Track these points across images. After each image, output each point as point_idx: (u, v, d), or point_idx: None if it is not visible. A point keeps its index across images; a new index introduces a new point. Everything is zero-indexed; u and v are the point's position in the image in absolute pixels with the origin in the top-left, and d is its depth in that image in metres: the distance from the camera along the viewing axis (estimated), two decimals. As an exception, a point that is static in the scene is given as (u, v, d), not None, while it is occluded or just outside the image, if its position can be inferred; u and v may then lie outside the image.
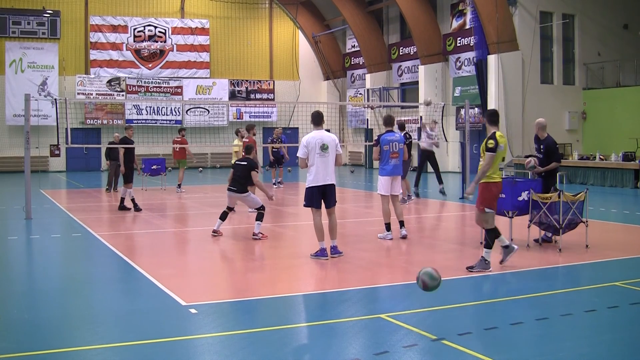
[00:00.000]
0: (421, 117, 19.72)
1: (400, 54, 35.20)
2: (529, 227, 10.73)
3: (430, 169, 20.42)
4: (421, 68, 32.40)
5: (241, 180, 12.18)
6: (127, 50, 35.87)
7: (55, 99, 18.84)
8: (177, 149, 21.97)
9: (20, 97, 28.93)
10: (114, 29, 35.63)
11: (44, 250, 11.61)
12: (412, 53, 33.96)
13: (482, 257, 8.98)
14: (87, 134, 34.50)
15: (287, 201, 18.30)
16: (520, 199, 10.70)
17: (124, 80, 35.53)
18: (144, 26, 36.27)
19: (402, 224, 12.10)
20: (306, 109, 22.58)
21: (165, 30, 36.66)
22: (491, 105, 27.29)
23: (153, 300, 7.82)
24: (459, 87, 30.88)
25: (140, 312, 7.35)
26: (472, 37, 28.70)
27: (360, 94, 37.99)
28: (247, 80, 38.45)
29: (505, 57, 27.17)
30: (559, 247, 10.58)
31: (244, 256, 10.67)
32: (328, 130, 10.61)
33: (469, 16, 29.78)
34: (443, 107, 21.08)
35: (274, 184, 22.57)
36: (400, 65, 35.43)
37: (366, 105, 35.67)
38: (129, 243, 12.35)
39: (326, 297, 8.03)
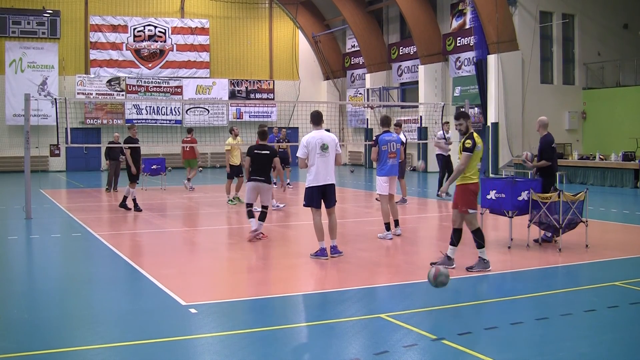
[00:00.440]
0: (446, 122, 19.55)
1: (400, 53, 35.19)
2: (528, 227, 10.73)
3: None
4: (421, 68, 32.39)
5: (266, 170, 11.71)
6: (127, 50, 35.87)
7: (55, 99, 18.82)
8: (187, 149, 22.25)
9: (20, 96, 28.92)
10: (114, 28, 35.63)
11: (43, 250, 11.61)
12: (412, 53, 33.95)
13: (479, 257, 8.98)
14: (87, 134, 34.49)
15: (287, 201, 18.30)
16: (520, 198, 10.69)
17: (123, 80, 35.52)
18: (144, 26, 36.27)
19: (397, 223, 12.18)
20: (306, 108, 22.52)
21: (165, 30, 36.66)
22: (491, 105, 27.31)
23: (153, 300, 7.82)
24: (459, 87, 30.88)
25: (140, 311, 7.35)
26: (472, 37, 28.69)
27: (360, 93, 37.99)
28: (247, 80, 38.44)
29: (505, 57, 27.17)
30: (558, 247, 10.58)
31: (243, 256, 10.67)
32: (328, 130, 10.62)
33: (468, 16, 29.77)
34: (443, 107, 21.05)
35: (276, 183, 22.59)
36: (400, 65, 35.43)
37: (366, 105, 35.67)
38: (129, 243, 12.35)
39: (326, 296, 8.03)
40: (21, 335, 6.44)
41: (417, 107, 32.06)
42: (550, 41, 29.10)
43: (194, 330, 6.57)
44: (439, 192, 8.38)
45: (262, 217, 11.79)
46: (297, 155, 10.23)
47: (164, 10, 37.01)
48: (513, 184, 10.72)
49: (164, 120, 36.03)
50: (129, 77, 35.66)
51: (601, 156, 24.04)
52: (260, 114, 38.44)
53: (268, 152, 11.82)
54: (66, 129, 16.79)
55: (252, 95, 38.29)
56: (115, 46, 35.65)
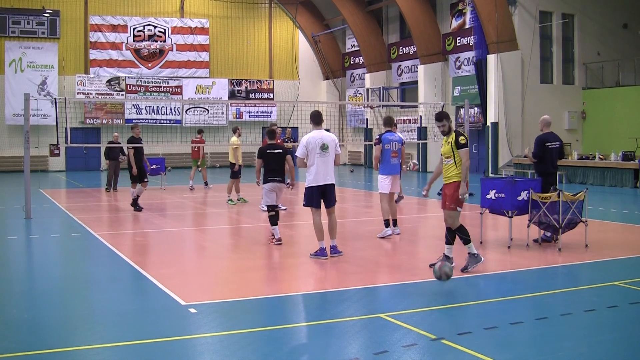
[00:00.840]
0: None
1: (400, 53, 35.20)
2: (528, 226, 10.73)
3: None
4: (421, 68, 32.40)
5: (282, 170, 11.41)
6: (126, 49, 35.87)
7: (55, 99, 18.83)
8: (197, 149, 22.50)
9: (19, 96, 28.92)
10: (114, 28, 35.63)
11: (43, 250, 11.61)
12: (411, 53, 33.96)
13: (468, 254, 8.97)
14: (86, 134, 34.50)
15: (287, 201, 18.29)
16: (519, 198, 10.69)
17: (123, 80, 35.53)
18: (144, 26, 36.27)
19: (395, 222, 12.21)
20: (306, 108, 22.55)
21: (164, 29, 36.66)
22: (491, 104, 27.32)
23: (152, 299, 7.82)
24: (459, 87, 30.89)
25: (139, 311, 7.35)
26: (472, 36, 28.71)
27: (359, 93, 38.00)
28: (246, 80, 38.45)
29: (505, 57, 27.18)
30: (558, 246, 10.57)
31: (243, 256, 10.67)
32: (327, 130, 10.62)
33: (468, 16, 29.78)
34: (442, 107, 21.06)
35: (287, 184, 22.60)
36: (400, 65, 35.43)
37: (365, 105, 35.68)
38: (128, 243, 12.35)
39: (326, 296, 8.03)
40: (21, 335, 6.43)
41: (416, 107, 32.08)
42: (550, 41, 29.12)
43: (193, 330, 6.57)
44: (460, 195, 8.34)
45: (275, 220, 11.39)
46: (296, 154, 10.24)
47: (163, 10, 37.01)
48: (513, 183, 10.72)
49: (163, 120, 36.04)
50: (128, 77, 35.66)
51: (601, 156, 24.05)
52: (260, 113, 38.45)
53: (280, 150, 11.60)
54: (66, 128, 16.79)
55: (251, 95, 38.30)
56: (115, 46, 35.66)
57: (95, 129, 35.26)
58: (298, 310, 7.49)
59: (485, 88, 27.60)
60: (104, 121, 35.01)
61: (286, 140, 22.78)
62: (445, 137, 9.07)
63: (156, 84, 36.15)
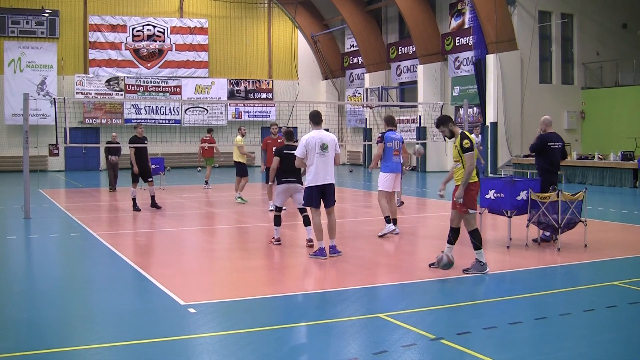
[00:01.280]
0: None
1: (399, 53, 35.20)
2: (527, 226, 10.73)
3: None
4: (420, 67, 32.40)
5: (297, 170, 10.99)
6: (125, 49, 35.86)
7: (54, 99, 18.82)
8: (207, 148, 22.73)
9: (19, 96, 28.86)
10: (113, 28, 35.61)
11: (42, 250, 11.61)
12: (410, 52, 33.96)
13: (475, 259, 8.92)
14: (85, 134, 34.49)
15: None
16: (519, 198, 10.69)
17: (122, 80, 35.52)
18: (143, 26, 36.26)
19: (394, 222, 12.21)
20: (305, 108, 22.59)
21: (164, 29, 36.65)
22: (490, 104, 27.32)
23: (152, 299, 7.82)
24: (458, 87, 30.90)
25: (138, 311, 7.35)
26: (471, 36, 28.71)
27: (359, 93, 38.00)
28: (245, 80, 38.45)
29: (504, 57, 27.18)
30: (557, 246, 10.57)
31: (242, 255, 10.66)
32: (327, 130, 10.61)
33: (467, 16, 29.79)
34: (442, 106, 21.05)
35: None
36: (399, 65, 35.43)
37: (365, 105, 35.67)
38: (127, 242, 12.34)
39: (325, 296, 8.03)
40: (20, 335, 6.43)
41: (415, 106, 32.08)
42: (549, 41, 29.13)
43: (192, 330, 6.56)
44: (455, 199, 8.33)
45: (308, 221, 10.92)
46: (295, 154, 10.22)
47: (163, 10, 37.00)
48: (512, 183, 10.72)
49: (162, 119, 36.03)
50: (127, 77, 35.65)
51: (600, 156, 24.05)
52: (259, 113, 38.46)
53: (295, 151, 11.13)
54: (65, 128, 16.78)
55: (251, 95, 38.30)
56: (114, 46, 35.64)
57: (95, 128, 35.24)
58: (297, 310, 7.49)
59: (485, 88, 27.61)
60: (103, 121, 35.00)
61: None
62: (453, 140, 9.05)
63: (155, 84, 36.15)
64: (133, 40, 36.00)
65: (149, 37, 36.32)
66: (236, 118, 37.63)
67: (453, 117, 30.89)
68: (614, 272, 9.32)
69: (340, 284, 8.66)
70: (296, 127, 34.63)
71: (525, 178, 13.47)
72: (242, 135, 18.71)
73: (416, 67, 33.07)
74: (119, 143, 21.89)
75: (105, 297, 8.04)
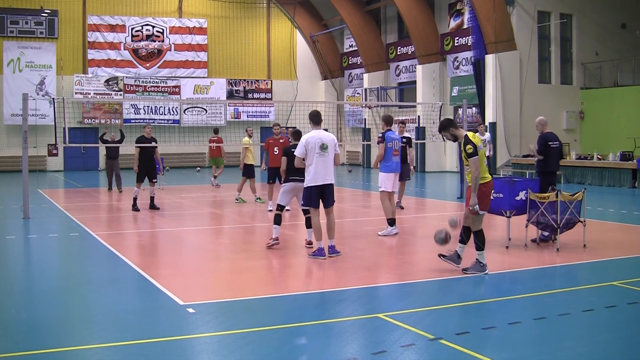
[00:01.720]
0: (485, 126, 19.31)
1: (398, 53, 35.20)
2: (526, 226, 10.73)
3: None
4: (419, 68, 32.41)
5: (303, 170, 10.62)
6: (124, 49, 35.85)
7: (53, 99, 18.80)
8: (214, 148, 22.99)
9: (18, 96, 28.92)
10: (112, 28, 35.61)
11: (41, 250, 11.60)
12: (409, 53, 33.97)
13: (476, 259, 8.91)
14: (84, 134, 34.47)
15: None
16: (518, 198, 10.69)
17: (121, 80, 35.51)
18: (142, 26, 36.25)
19: (393, 221, 12.24)
20: (304, 108, 22.58)
21: (163, 29, 36.64)
22: (489, 104, 27.33)
23: (151, 299, 7.81)
24: (457, 87, 30.90)
25: (137, 311, 7.34)
26: (470, 36, 28.72)
27: (358, 93, 38.00)
28: (244, 80, 38.45)
29: (503, 57, 27.19)
30: (556, 246, 10.57)
31: (241, 255, 10.66)
32: (326, 130, 10.60)
33: (466, 16, 29.80)
34: (441, 106, 21.06)
35: None
36: (398, 65, 35.44)
37: (364, 105, 35.67)
38: (126, 242, 12.34)
39: (324, 296, 8.03)
40: (19, 335, 6.42)
41: (414, 106, 32.08)
42: (548, 41, 29.14)
43: (191, 330, 6.56)
44: (470, 206, 8.31)
45: (310, 223, 10.73)
46: (295, 154, 10.22)
47: (162, 10, 37.00)
48: (511, 183, 10.72)
49: (161, 119, 36.03)
50: (126, 77, 35.65)
51: (599, 156, 24.06)
52: (258, 113, 38.46)
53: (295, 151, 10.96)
54: (64, 128, 16.77)
55: (250, 95, 38.30)
56: (113, 46, 35.64)
57: (94, 129, 35.22)
58: (296, 310, 7.48)
59: (484, 88, 27.62)
60: (102, 121, 34.98)
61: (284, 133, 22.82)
62: (458, 142, 9.03)
63: (154, 84, 36.14)
64: (132, 40, 35.99)
65: (148, 37, 36.32)
66: (235, 118, 37.64)
67: (452, 117, 31.00)
68: (613, 272, 9.32)
69: (340, 284, 8.66)
70: (295, 127, 34.73)
71: (524, 178, 13.46)
72: (250, 137, 18.67)
73: (415, 67, 33.08)
74: (117, 143, 21.81)
75: (104, 297, 8.03)
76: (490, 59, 27.25)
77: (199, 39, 37.23)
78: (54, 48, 34.26)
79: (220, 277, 9.29)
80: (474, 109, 29.33)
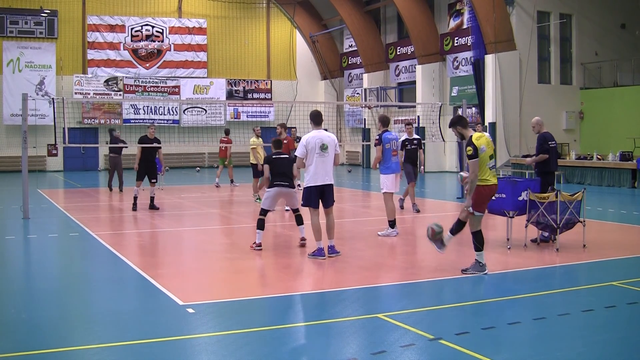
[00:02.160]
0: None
1: (398, 53, 35.20)
2: (526, 226, 10.73)
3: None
4: (418, 68, 32.40)
5: (290, 175, 11.04)
6: (124, 49, 35.84)
7: (53, 99, 18.80)
8: (224, 148, 23.12)
9: (17, 96, 28.93)
10: (112, 28, 35.59)
11: (41, 250, 11.59)
12: (409, 53, 33.96)
13: (475, 260, 8.91)
14: (84, 134, 34.47)
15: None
16: (520, 198, 10.68)
17: (121, 80, 35.50)
18: (142, 26, 36.24)
19: (394, 223, 12.27)
20: (304, 108, 22.59)
21: (162, 29, 36.63)
22: (488, 105, 27.33)
23: (150, 299, 7.81)
24: (457, 87, 30.90)
25: (137, 311, 7.34)
26: (470, 36, 28.72)
27: (357, 93, 38.00)
28: (244, 80, 38.45)
29: (503, 57, 27.19)
30: (556, 246, 10.58)
31: (241, 256, 10.65)
32: (326, 130, 10.61)
33: (466, 16, 29.81)
34: (440, 106, 21.07)
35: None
36: (398, 65, 35.43)
37: (363, 105, 35.66)
38: (126, 242, 12.34)
39: (324, 296, 8.03)
40: (18, 335, 6.43)
41: (414, 107, 32.07)
42: (547, 41, 29.15)
43: (191, 330, 6.56)
44: (465, 207, 8.33)
45: (300, 220, 11.19)
46: (295, 154, 10.24)
47: (161, 10, 36.99)
48: (514, 184, 10.72)
49: (161, 120, 36.01)
50: (126, 77, 35.64)
51: (599, 156, 24.06)
52: (257, 114, 38.45)
53: (287, 156, 11.34)
54: (64, 128, 16.77)
55: (249, 95, 38.30)
56: (112, 46, 35.63)
57: (93, 129, 35.23)
58: (296, 311, 7.49)
59: (483, 88, 27.62)
60: (102, 121, 34.98)
61: (295, 139, 22.79)
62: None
63: (154, 84, 36.13)
64: (132, 41, 35.98)
65: (148, 37, 36.31)
66: (235, 118, 37.63)
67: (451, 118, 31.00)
68: (613, 272, 9.32)
69: (339, 284, 8.66)
70: (294, 128, 34.76)
71: (524, 178, 13.45)
72: (258, 137, 18.63)
73: (415, 67, 33.08)
74: (124, 142, 21.83)
75: (104, 297, 8.03)
76: (489, 59, 27.26)
77: (198, 39, 37.22)
78: (53, 48, 34.25)
79: (220, 277, 9.29)
80: (473, 109, 29.32)
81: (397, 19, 35.41)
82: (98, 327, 6.70)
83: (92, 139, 34.56)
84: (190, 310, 7.12)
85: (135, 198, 16.45)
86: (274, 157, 11.10)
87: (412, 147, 15.91)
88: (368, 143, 34.58)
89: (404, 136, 16.08)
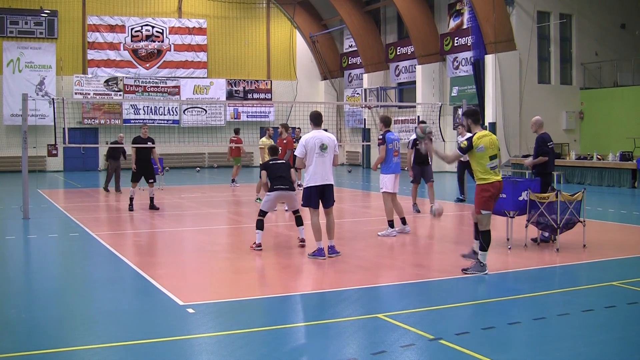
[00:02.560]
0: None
1: (398, 53, 35.19)
2: (526, 226, 10.73)
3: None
4: (418, 68, 32.39)
5: (290, 178, 11.10)
6: (124, 50, 35.84)
7: (53, 99, 18.81)
8: (234, 148, 23.19)
9: (17, 96, 28.92)
10: (112, 28, 35.59)
11: (41, 250, 11.59)
12: (409, 53, 33.95)
13: (477, 259, 8.93)
14: (84, 134, 34.46)
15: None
16: (520, 198, 10.69)
17: (121, 80, 35.49)
18: (142, 26, 36.24)
19: (404, 220, 12.29)
20: (304, 109, 22.58)
21: (162, 30, 36.63)
22: (488, 105, 27.33)
23: (150, 300, 7.81)
24: (456, 87, 30.89)
25: (137, 311, 7.34)
26: (470, 36, 28.72)
27: (357, 93, 37.99)
28: (244, 80, 38.45)
29: (503, 57, 27.19)
30: (556, 246, 10.58)
31: (241, 256, 10.65)
32: (326, 130, 10.62)
33: (466, 16, 29.80)
34: (440, 107, 21.07)
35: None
36: (398, 65, 35.43)
37: (363, 105, 35.66)
38: (126, 243, 12.34)
39: (324, 296, 8.03)
40: (18, 335, 6.43)
41: (414, 107, 32.06)
42: (547, 41, 29.14)
43: (191, 330, 6.56)
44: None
45: (300, 221, 11.21)
46: (295, 154, 10.25)
47: (161, 10, 36.99)
48: (515, 184, 10.72)
49: (161, 120, 36.02)
50: (126, 77, 35.63)
51: (599, 156, 24.06)
52: (257, 114, 38.45)
53: (284, 161, 11.49)
54: (64, 129, 16.78)
55: (249, 96, 38.30)
56: (112, 46, 35.62)
57: (93, 129, 35.23)
58: (296, 311, 7.49)
59: (483, 88, 27.61)
60: (102, 121, 34.99)
61: (296, 140, 22.79)
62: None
63: (154, 84, 36.13)
64: (132, 41, 35.97)
65: (148, 37, 36.31)
66: (235, 118, 37.63)
67: (452, 117, 31.04)
68: (613, 272, 9.33)
69: (339, 284, 8.66)
70: (294, 128, 34.75)
71: (525, 178, 13.46)
72: (269, 137, 18.59)
73: (415, 68, 33.07)
74: (123, 144, 21.85)
75: (104, 297, 8.03)
76: (489, 59, 27.26)
77: (198, 39, 37.22)
78: (53, 48, 34.25)
79: (220, 277, 9.29)
80: (473, 109, 29.29)
81: (397, 19, 35.40)
82: (98, 327, 6.71)
83: (92, 139, 34.55)
84: (190, 310, 7.12)
85: (131, 199, 16.47)
86: (270, 162, 11.23)
87: None
88: (368, 143, 34.60)
89: (415, 135, 15.77)
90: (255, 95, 38.50)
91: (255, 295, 8.03)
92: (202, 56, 37.30)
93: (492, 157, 8.91)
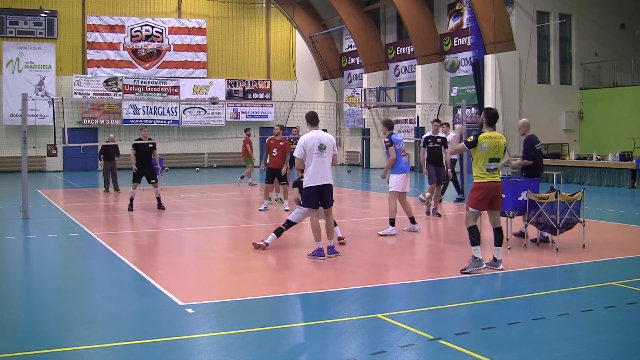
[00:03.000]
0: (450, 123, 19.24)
1: (397, 53, 35.19)
2: (525, 226, 10.73)
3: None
4: (418, 68, 32.40)
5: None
6: (124, 50, 35.83)
7: (52, 99, 18.82)
8: (248, 148, 23.57)
9: (17, 96, 28.92)
10: (111, 28, 35.59)
11: (41, 250, 11.59)
12: (409, 53, 33.96)
13: (472, 256, 8.96)
14: (84, 134, 34.46)
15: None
16: (520, 199, 10.69)
17: (120, 80, 35.49)
18: (141, 26, 36.24)
19: (413, 220, 12.38)
20: (303, 108, 22.59)
21: (162, 30, 36.63)
22: (488, 105, 27.28)
23: (150, 300, 7.81)
24: (456, 87, 30.89)
25: (137, 311, 7.34)
26: (469, 37, 28.72)
27: (357, 93, 38.00)
28: (244, 80, 38.45)
29: (502, 57, 27.20)
30: (556, 246, 10.58)
31: (240, 256, 10.65)
32: (325, 130, 10.61)
33: (466, 16, 29.80)
34: (440, 106, 21.07)
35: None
36: (397, 65, 35.43)
37: (363, 105, 35.66)
38: (125, 243, 12.34)
39: (323, 296, 8.03)
40: (18, 335, 6.43)
41: (414, 107, 32.08)
42: (547, 41, 29.15)
43: (191, 330, 6.56)
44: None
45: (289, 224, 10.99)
46: (294, 155, 10.25)
47: (161, 10, 36.98)
48: (514, 184, 10.72)
49: (161, 120, 36.02)
50: (126, 77, 35.63)
51: (598, 156, 24.07)
52: (257, 114, 38.45)
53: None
54: (63, 129, 16.79)
55: (249, 96, 38.30)
56: (112, 46, 35.62)
57: (93, 129, 35.23)
58: (296, 311, 7.49)
59: (483, 88, 27.61)
60: (102, 121, 34.99)
61: (291, 140, 22.75)
62: None
63: (153, 84, 36.13)
64: (131, 41, 35.97)
65: (147, 37, 36.30)
66: (234, 118, 37.63)
67: (452, 117, 31.02)
68: (613, 272, 9.33)
69: (339, 284, 8.66)
70: (297, 127, 34.73)
71: (525, 178, 13.46)
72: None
73: (414, 68, 33.07)
74: (115, 143, 21.82)
75: (104, 297, 8.03)
76: (489, 59, 27.26)
77: (198, 39, 37.21)
78: (53, 48, 34.24)
79: (220, 277, 9.29)
80: (473, 109, 29.32)
81: (396, 19, 35.40)
82: (98, 327, 6.70)
83: (92, 139, 34.55)
84: (190, 310, 7.12)
85: (131, 199, 16.48)
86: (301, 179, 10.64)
87: (436, 145, 15.13)
88: (368, 143, 34.59)
89: (428, 133, 15.52)
90: (255, 95, 38.50)
91: (254, 295, 8.03)
92: (201, 56, 37.30)
93: (492, 160, 9.02)
